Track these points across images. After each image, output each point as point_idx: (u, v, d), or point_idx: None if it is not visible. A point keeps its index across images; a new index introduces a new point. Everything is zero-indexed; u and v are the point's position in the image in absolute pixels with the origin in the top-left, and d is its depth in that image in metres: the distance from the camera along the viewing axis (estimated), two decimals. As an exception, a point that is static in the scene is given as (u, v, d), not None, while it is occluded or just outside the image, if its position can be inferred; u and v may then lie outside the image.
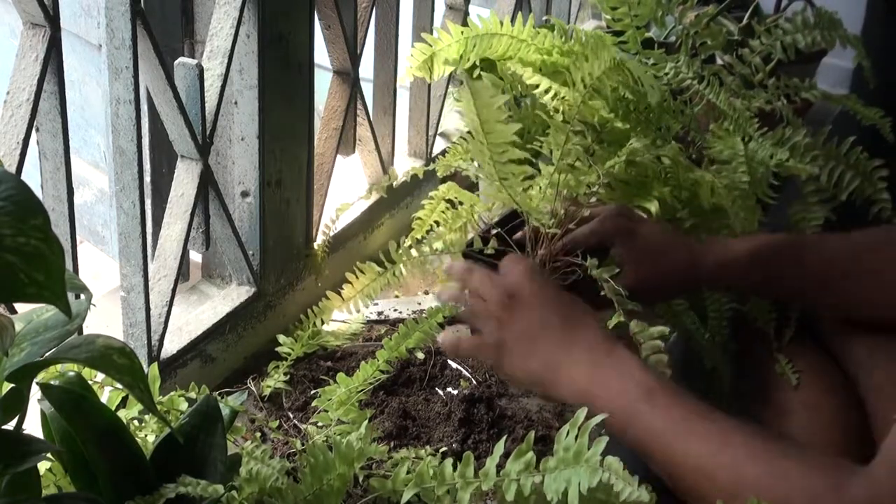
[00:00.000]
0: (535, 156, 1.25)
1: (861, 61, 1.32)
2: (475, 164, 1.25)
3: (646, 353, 1.05)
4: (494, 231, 1.22)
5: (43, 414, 0.82)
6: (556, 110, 1.19)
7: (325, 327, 1.34)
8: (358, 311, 1.25)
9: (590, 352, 1.00)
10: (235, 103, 1.18)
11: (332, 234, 1.35)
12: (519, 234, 1.21)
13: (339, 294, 1.23)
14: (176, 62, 1.09)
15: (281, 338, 1.25)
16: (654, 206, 1.22)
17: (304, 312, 1.34)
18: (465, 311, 1.07)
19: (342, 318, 1.35)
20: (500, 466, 0.86)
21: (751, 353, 1.27)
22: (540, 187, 1.17)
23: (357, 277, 1.22)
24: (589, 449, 0.79)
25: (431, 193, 1.33)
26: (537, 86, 1.25)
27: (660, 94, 1.21)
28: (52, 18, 0.94)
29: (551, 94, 1.22)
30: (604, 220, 1.17)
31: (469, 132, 1.08)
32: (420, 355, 1.25)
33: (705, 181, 1.20)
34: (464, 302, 1.07)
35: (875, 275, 1.14)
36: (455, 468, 0.88)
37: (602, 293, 1.11)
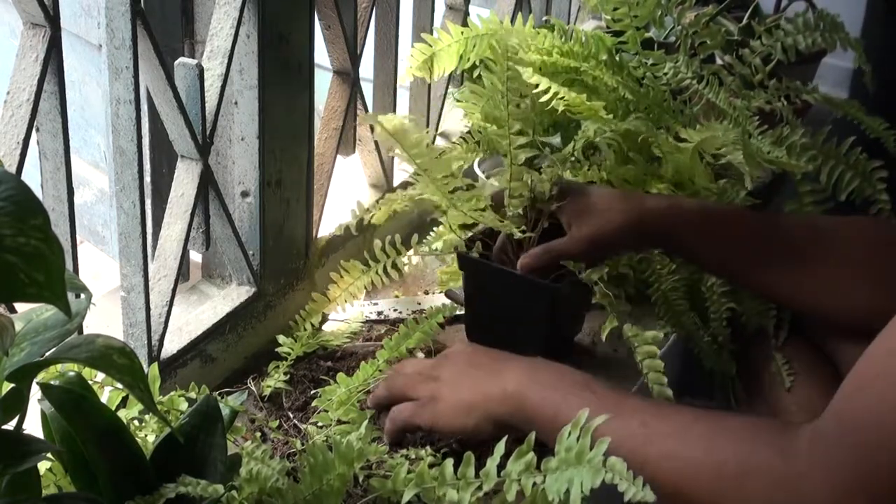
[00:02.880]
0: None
1: (862, 65, 1.32)
2: (476, 159, 1.25)
3: (640, 357, 1.06)
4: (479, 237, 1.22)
5: (43, 414, 0.82)
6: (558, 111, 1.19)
7: (326, 327, 1.34)
8: (343, 311, 1.25)
9: (522, 367, 1.02)
10: (235, 103, 1.18)
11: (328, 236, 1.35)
12: (496, 245, 1.22)
13: (326, 295, 1.24)
14: (176, 62, 1.09)
15: (280, 338, 1.25)
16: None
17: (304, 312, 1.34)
18: (398, 393, 1.07)
19: (342, 318, 1.35)
20: (500, 467, 0.86)
21: (748, 353, 1.27)
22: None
23: (342, 276, 1.23)
24: (591, 449, 0.79)
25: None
26: (537, 86, 1.25)
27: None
28: (52, 18, 0.94)
29: (551, 94, 1.22)
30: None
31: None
32: (420, 355, 1.25)
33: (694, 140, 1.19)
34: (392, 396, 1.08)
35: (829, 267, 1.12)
36: (455, 468, 0.88)
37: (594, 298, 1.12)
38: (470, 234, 1.24)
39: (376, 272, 1.25)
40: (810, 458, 0.80)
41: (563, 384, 0.97)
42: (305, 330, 1.26)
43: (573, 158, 1.19)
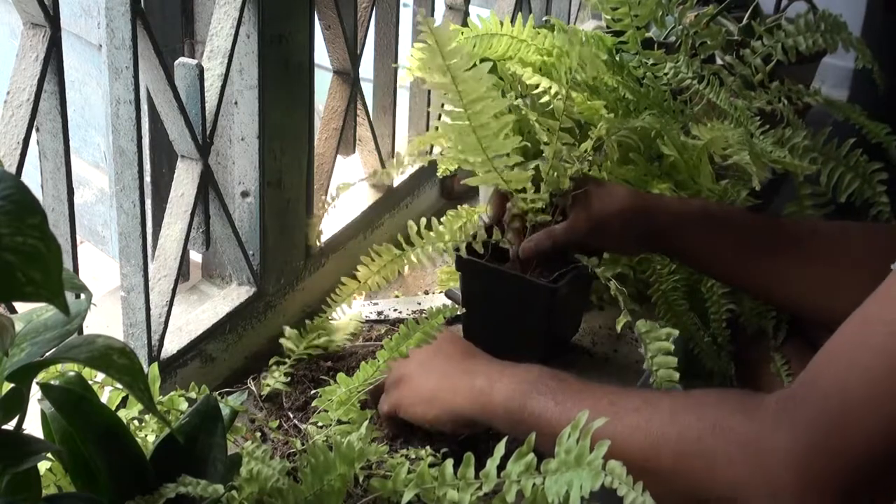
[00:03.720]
0: (535, 154, 1.25)
1: (866, 64, 1.32)
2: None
3: (652, 353, 1.05)
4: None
5: (43, 414, 0.82)
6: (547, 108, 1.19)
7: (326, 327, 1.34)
8: (372, 292, 1.24)
9: (488, 363, 1.04)
10: (235, 103, 1.18)
11: (331, 208, 1.35)
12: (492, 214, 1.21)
13: (355, 278, 1.23)
14: (176, 62, 1.09)
15: (287, 329, 1.24)
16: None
17: (304, 312, 1.34)
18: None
19: (341, 318, 1.35)
20: (500, 467, 0.86)
21: (747, 354, 1.27)
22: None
23: (373, 259, 1.22)
24: (591, 452, 0.79)
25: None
26: (537, 86, 1.25)
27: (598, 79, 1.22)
28: (52, 18, 0.94)
29: (551, 94, 1.22)
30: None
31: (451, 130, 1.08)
32: (420, 355, 1.25)
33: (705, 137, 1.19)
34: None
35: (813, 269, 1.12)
36: (456, 469, 0.88)
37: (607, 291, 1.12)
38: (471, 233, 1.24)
39: (412, 256, 1.23)
40: (776, 420, 0.80)
41: (531, 377, 0.97)
42: (328, 318, 1.25)
43: (590, 158, 1.19)
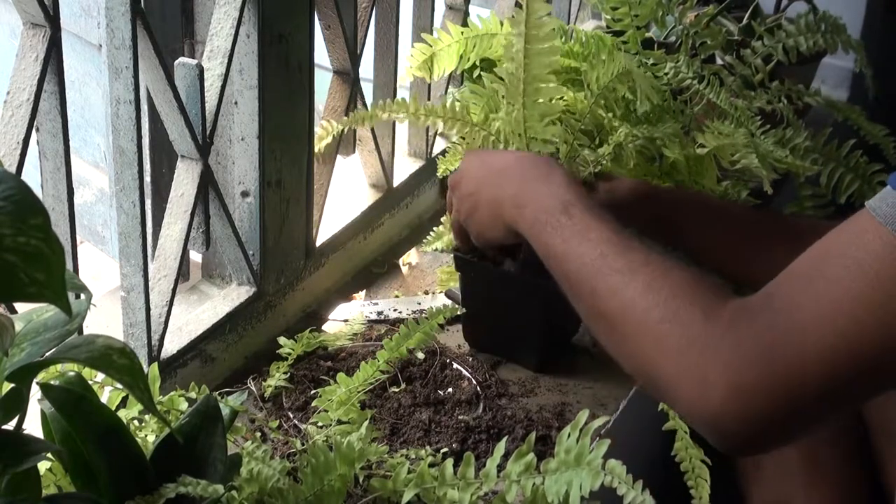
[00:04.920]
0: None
1: (863, 69, 1.32)
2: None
3: None
4: None
5: (43, 414, 0.82)
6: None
7: (326, 327, 1.34)
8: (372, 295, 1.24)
9: (526, 176, 1.07)
10: (235, 103, 1.18)
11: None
12: None
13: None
14: (176, 62, 1.09)
15: (281, 339, 1.24)
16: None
17: (304, 312, 1.34)
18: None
19: (342, 317, 1.35)
20: (500, 467, 0.86)
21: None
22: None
23: None
24: (591, 451, 0.79)
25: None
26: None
27: (651, 104, 1.23)
28: (52, 18, 0.94)
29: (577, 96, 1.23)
30: None
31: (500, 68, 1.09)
32: (420, 355, 1.25)
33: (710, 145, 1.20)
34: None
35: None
36: (455, 469, 0.88)
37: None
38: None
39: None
40: (728, 326, 0.82)
41: (550, 204, 1.02)
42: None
43: (604, 162, 1.20)
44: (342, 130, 1.31)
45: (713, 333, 0.82)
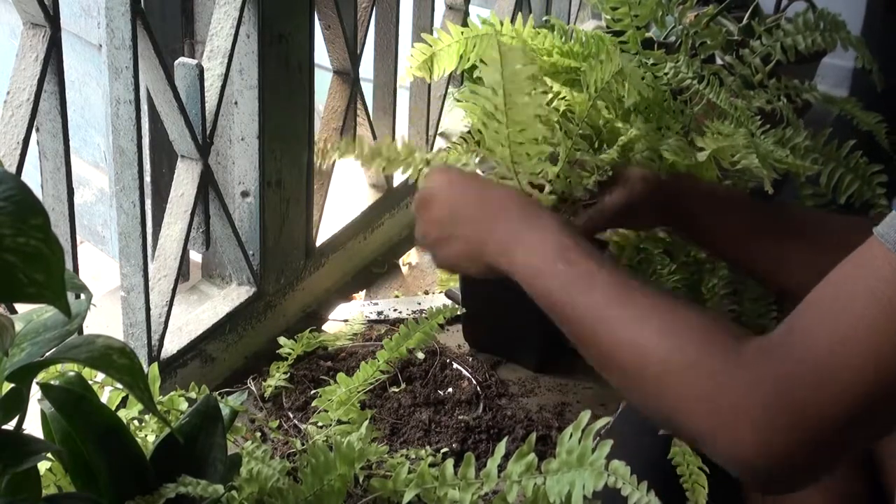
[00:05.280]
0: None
1: (865, 64, 1.32)
2: (476, 159, 1.25)
3: None
4: None
5: (43, 414, 0.82)
6: (558, 111, 1.19)
7: (326, 327, 1.34)
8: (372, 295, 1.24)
9: (510, 217, 1.03)
10: (235, 103, 1.18)
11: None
12: None
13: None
14: (176, 62, 1.09)
15: (281, 339, 1.24)
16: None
17: (304, 312, 1.34)
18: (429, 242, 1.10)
19: (342, 317, 1.35)
20: (500, 467, 0.86)
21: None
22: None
23: None
24: (593, 452, 0.79)
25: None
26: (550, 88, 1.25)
27: (641, 97, 1.22)
28: (52, 18, 0.93)
29: (551, 94, 1.22)
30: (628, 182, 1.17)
31: (484, 115, 1.07)
32: (420, 355, 1.25)
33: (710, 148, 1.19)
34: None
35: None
36: (456, 469, 0.88)
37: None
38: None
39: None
40: (752, 366, 0.81)
41: (546, 251, 0.98)
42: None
43: (609, 169, 1.20)
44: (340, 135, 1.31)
45: (738, 376, 0.81)
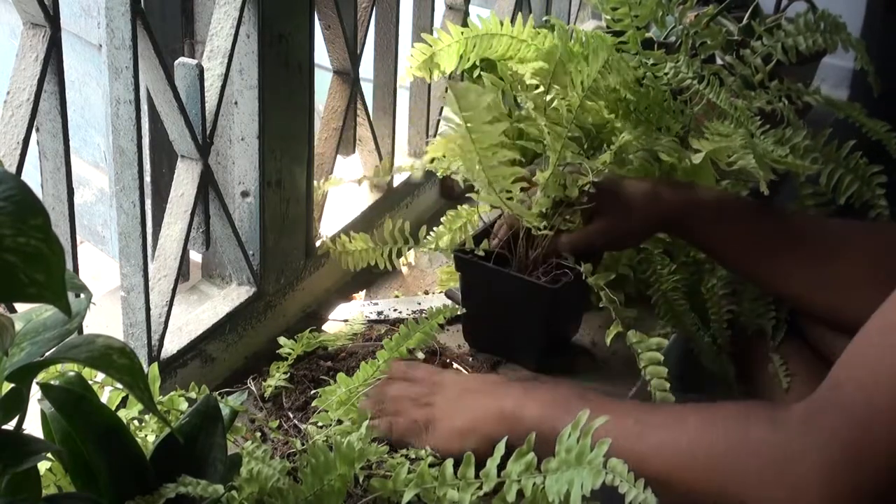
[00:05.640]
0: (534, 157, 1.25)
1: (864, 66, 1.32)
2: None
3: (644, 363, 1.06)
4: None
5: (43, 414, 0.82)
6: (555, 113, 1.19)
7: (326, 327, 1.34)
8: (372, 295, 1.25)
9: (517, 387, 1.04)
10: (235, 103, 1.18)
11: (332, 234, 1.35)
12: (494, 241, 1.22)
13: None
14: (176, 62, 1.09)
15: (281, 339, 1.24)
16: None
17: (304, 312, 1.34)
18: (388, 406, 1.09)
19: (342, 317, 1.35)
20: (500, 467, 0.86)
21: (747, 354, 1.27)
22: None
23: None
24: (591, 451, 0.79)
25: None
26: (538, 86, 1.25)
27: (631, 90, 1.22)
28: (52, 18, 0.94)
29: (551, 94, 1.22)
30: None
31: (457, 147, 1.09)
32: (420, 355, 1.25)
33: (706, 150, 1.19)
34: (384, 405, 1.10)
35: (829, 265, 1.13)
36: (456, 469, 0.88)
37: (600, 302, 1.13)
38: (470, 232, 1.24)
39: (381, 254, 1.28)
40: (802, 433, 0.81)
41: (558, 397, 0.98)
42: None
43: (605, 171, 1.20)
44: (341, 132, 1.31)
45: (791, 442, 0.80)
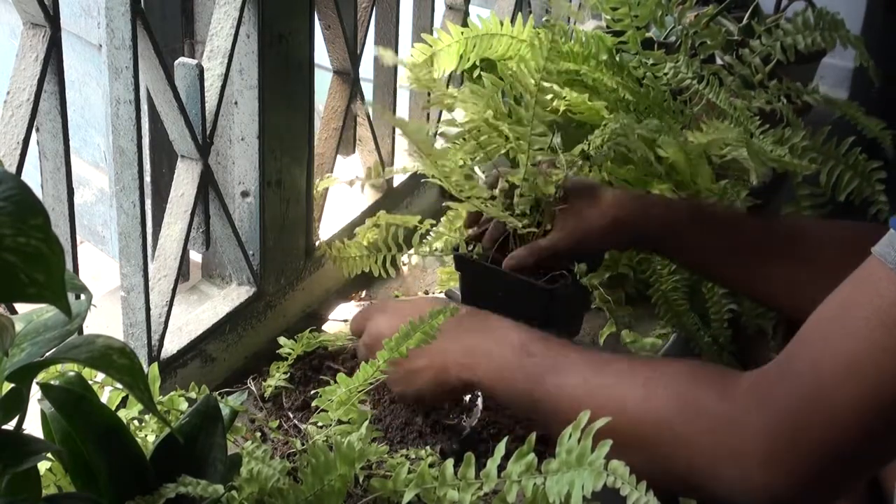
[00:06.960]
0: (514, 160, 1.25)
1: (863, 63, 1.32)
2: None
3: None
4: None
5: (43, 414, 0.82)
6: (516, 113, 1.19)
7: (326, 327, 1.34)
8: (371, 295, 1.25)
9: (468, 331, 1.04)
10: (235, 103, 1.18)
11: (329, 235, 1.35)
12: (486, 244, 1.22)
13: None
14: (176, 62, 1.09)
15: (281, 339, 1.24)
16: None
17: (304, 312, 1.34)
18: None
19: (342, 317, 1.35)
20: (500, 467, 0.86)
21: (747, 354, 1.27)
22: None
23: None
24: (592, 451, 0.79)
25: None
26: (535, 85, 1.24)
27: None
28: (52, 18, 0.94)
29: (552, 94, 1.22)
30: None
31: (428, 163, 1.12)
32: (420, 355, 1.24)
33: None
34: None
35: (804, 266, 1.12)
36: (456, 469, 0.88)
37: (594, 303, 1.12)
38: (469, 232, 1.24)
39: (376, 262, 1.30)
40: (748, 403, 0.81)
41: (502, 352, 0.99)
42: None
43: (580, 163, 1.19)
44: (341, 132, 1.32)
45: (737, 411, 0.81)
